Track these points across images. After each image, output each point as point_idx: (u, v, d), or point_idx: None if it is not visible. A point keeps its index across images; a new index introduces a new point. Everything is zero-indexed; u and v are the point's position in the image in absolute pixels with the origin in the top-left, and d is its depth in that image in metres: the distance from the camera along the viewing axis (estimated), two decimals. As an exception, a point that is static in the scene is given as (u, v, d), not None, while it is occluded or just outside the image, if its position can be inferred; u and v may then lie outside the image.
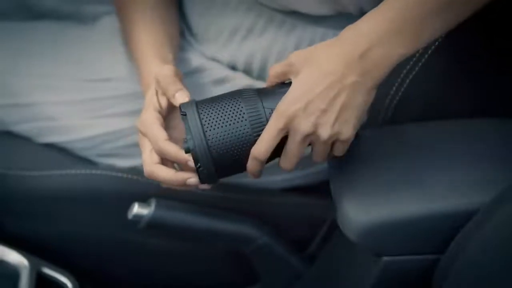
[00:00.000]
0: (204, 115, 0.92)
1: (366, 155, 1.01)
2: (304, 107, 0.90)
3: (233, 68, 1.19)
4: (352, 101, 0.89)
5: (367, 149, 1.02)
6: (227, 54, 1.18)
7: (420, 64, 1.06)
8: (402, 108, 1.10)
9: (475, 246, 0.87)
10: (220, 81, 1.18)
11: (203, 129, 0.91)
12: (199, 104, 0.93)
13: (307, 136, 0.90)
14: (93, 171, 1.21)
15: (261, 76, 1.18)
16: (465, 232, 0.89)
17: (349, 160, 1.00)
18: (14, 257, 1.21)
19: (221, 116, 0.92)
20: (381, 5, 0.90)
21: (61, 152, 1.24)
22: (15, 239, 1.23)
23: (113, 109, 1.19)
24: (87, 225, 1.24)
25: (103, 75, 1.21)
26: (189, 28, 1.23)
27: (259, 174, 0.94)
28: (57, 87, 1.21)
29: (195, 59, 1.20)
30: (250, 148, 0.92)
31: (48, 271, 1.23)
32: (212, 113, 0.92)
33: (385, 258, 0.94)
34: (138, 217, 1.15)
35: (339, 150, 0.93)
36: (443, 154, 0.99)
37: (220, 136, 0.91)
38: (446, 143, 1.01)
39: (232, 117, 0.91)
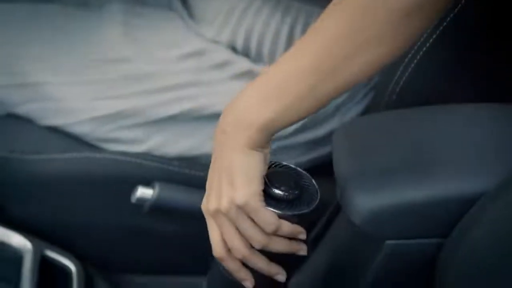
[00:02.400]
0: None
1: (370, 139, 1.01)
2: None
3: (233, 49, 1.19)
4: (230, 164, 0.88)
5: (371, 133, 1.02)
6: (226, 35, 1.19)
7: (424, 49, 1.06)
8: (406, 93, 1.10)
9: (479, 231, 0.87)
10: (221, 65, 1.18)
11: None
12: None
13: (213, 215, 0.90)
14: (96, 155, 1.21)
15: (258, 58, 1.18)
16: (469, 217, 0.89)
17: (353, 144, 0.99)
18: (17, 240, 1.21)
19: None
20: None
21: (64, 136, 1.24)
22: (18, 223, 1.23)
23: (118, 90, 1.19)
24: (91, 209, 1.24)
25: (108, 56, 1.21)
26: (189, 10, 1.23)
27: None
28: (61, 68, 1.21)
29: (195, 41, 1.20)
30: None
31: (52, 254, 1.23)
32: None
33: (389, 242, 0.94)
34: (141, 201, 1.15)
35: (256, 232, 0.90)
36: (447, 139, 0.98)
37: None
38: (450, 127, 1.00)
39: None
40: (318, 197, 0.92)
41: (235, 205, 0.87)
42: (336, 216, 1.07)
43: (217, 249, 0.91)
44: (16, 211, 1.25)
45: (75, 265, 1.23)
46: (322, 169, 1.11)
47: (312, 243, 1.17)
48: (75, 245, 1.26)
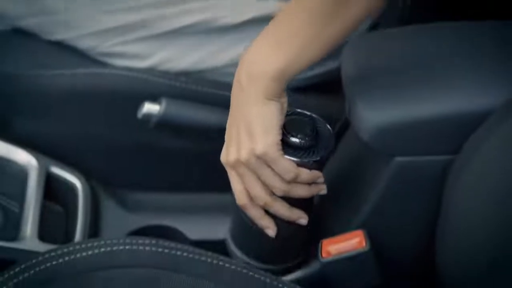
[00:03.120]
0: None
1: (380, 54, 1.00)
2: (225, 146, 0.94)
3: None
4: (248, 115, 0.90)
5: (381, 48, 1.01)
6: None
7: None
8: (417, 8, 1.08)
9: (489, 147, 0.86)
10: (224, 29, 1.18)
11: None
12: None
13: (233, 166, 0.92)
14: (103, 70, 1.20)
15: None
16: (480, 132, 0.88)
17: (362, 59, 0.98)
18: (23, 156, 1.21)
19: None
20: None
21: (70, 51, 1.22)
22: (24, 139, 1.23)
23: (123, 3, 1.18)
24: (97, 124, 1.24)
25: None
26: None
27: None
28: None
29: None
30: None
31: (57, 171, 1.23)
32: None
33: (398, 158, 0.93)
34: (148, 116, 1.15)
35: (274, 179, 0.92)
36: (458, 55, 0.97)
37: None
38: (461, 44, 0.99)
39: None
40: (334, 140, 0.94)
41: (254, 155, 0.90)
42: (345, 132, 1.07)
43: (240, 198, 0.94)
44: (22, 127, 1.24)
45: (81, 181, 1.23)
46: (331, 84, 1.11)
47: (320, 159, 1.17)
48: (80, 161, 1.26)
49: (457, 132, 0.91)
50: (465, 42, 0.99)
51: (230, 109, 0.93)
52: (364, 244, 0.95)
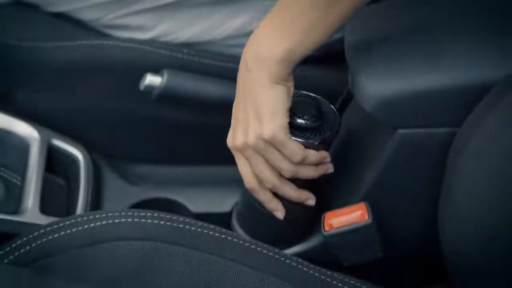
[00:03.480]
0: None
1: (384, 25, 0.99)
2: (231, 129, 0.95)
3: None
4: (256, 99, 0.90)
5: (384, 20, 1.00)
6: None
7: None
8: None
9: (492, 120, 0.85)
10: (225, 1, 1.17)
11: None
12: None
13: (240, 149, 0.93)
14: (105, 42, 1.19)
15: None
16: (483, 105, 0.88)
17: (366, 30, 0.97)
18: (24, 128, 1.21)
19: None
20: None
21: (72, 23, 1.22)
22: (26, 112, 1.23)
23: None
24: (99, 96, 1.23)
25: None
26: None
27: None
28: None
29: None
30: None
31: (59, 143, 1.23)
32: None
33: (401, 131, 0.93)
34: (150, 88, 1.15)
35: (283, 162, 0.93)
36: (461, 27, 0.96)
37: None
38: (465, 15, 0.98)
39: None
40: (339, 120, 0.94)
41: (262, 139, 0.90)
42: (348, 104, 1.06)
43: (248, 181, 0.95)
44: (24, 100, 1.24)
45: (82, 154, 1.23)
46: (334, 55, 1.10)
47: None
48: (82, 134, 1.25)
49: (461, 104, 0.90)
50: (469, 13, 0.98)
51: (237, 92, 0.93)
52: (366, 217, 0.95)
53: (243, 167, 0.95)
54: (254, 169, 0.94)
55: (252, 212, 1.01)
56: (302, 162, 0.92)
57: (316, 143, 0.92)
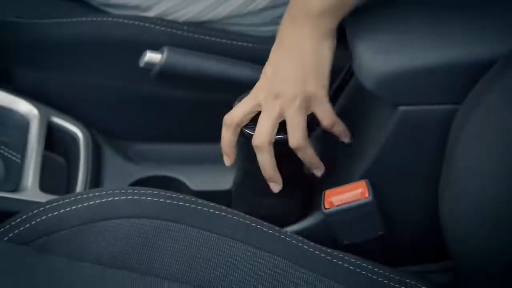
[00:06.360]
0: None
1: (385, 2, 0.98)
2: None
3: None
4: (301, 53, 0.92)
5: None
6: None
7: None
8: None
9: (494, 96, 0.85)
10: None
11: None
12: None
13: (259, 104, 0.95)
14: (105, 18, 1.19)
15: None
16: (485, 82, 0.87)
17: (366, 7, 0.97)
18: (24, 106, 1.20)
19: None
20: None
21: (73, 1, 1.22)
22: (25, 89, 1.23)
23: None
24: (99, 74, 1.23)
25: None
26: None
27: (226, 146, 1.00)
28: None
29: None
30: None
31: (59, 121, 1.23)
32: None
33: (402, 108, 0.92)
34: (150, 65, 1.14)
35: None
36: (464, 3, 0.95)
37: None
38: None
39: None
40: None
41: (304, 93, 0.92)
42: (349, 81, 1.06)
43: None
44: (24, 77, 1.24)
45: (82, 131, 1.23)
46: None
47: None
48: (82, 112, 1.25)
49: (462, 81, 0.90)
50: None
51: (279, 41, 0.94)
52: (367, 194, 0.95)
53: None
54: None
55: (249, 186, 1.01)
56: (330, 128, 0.96)
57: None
